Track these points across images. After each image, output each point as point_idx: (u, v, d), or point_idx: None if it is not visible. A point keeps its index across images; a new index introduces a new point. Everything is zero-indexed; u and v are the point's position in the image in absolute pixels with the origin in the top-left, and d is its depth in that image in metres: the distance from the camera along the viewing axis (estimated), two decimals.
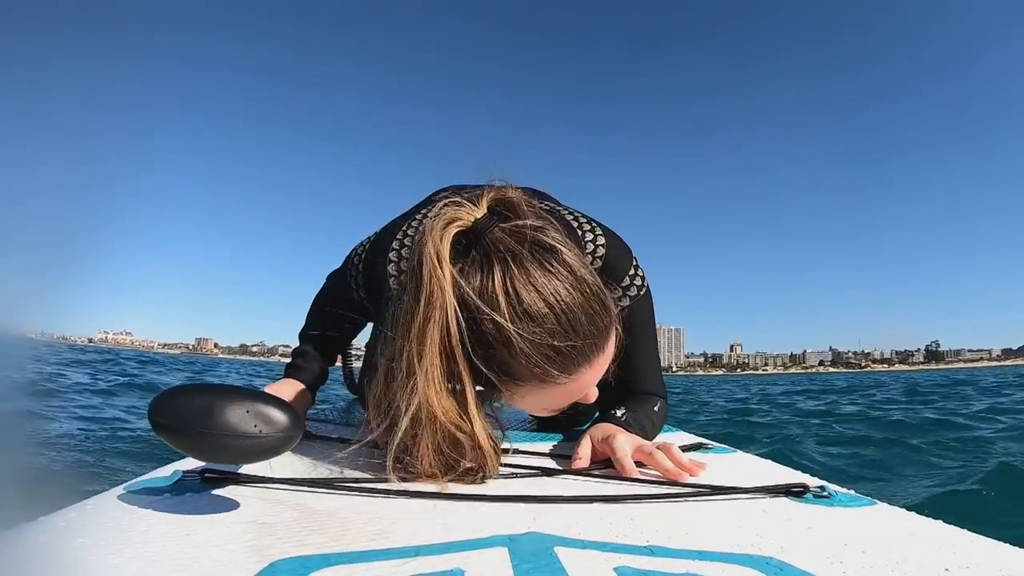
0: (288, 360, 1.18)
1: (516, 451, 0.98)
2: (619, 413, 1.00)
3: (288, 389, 1.09)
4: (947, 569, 0.45)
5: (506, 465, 0.80)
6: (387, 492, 0.64)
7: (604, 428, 0.93)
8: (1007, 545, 0.50)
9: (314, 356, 1.16)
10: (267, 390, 0.97)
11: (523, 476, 0.77)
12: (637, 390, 1.08)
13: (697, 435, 1.22)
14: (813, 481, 0.72)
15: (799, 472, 0.82)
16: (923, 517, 0.59)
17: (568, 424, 1.27)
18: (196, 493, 0.60)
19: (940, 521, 0.58)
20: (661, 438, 1.05)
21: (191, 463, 0.71)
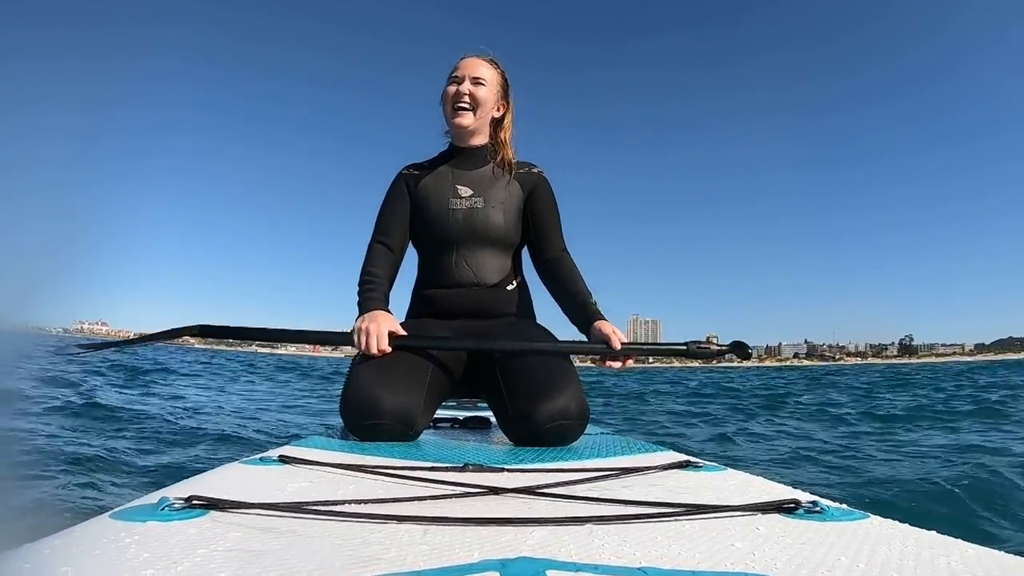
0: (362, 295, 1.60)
1: (504, 470, 0.97)
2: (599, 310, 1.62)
3: (384, 318, 1.50)
4: None
5: (493, 488, 0.79)
6: (376, 517, 0.63)
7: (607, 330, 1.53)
8: (1001, 553, 0.50)
9: (380, 286, 1.63)
10: (365, 321, 1.47)
11: (512, 494, 0.77)
12: (554, 255, 1.73)
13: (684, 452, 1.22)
14: (805, 496, 0.72)
15: (791, 488, 0.82)
16: (917, 528, 0.59)
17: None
18: (183, 520, 0.59)
19: (934, 532, 0.58)
20: (647, 458, 1.13)
21: (178, 490, 0.70)
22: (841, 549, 0.53)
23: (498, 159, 1.76)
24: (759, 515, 0.66)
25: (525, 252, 1.82)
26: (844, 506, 0.68)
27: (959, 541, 0.54)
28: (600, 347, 1.52)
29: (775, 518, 0.64)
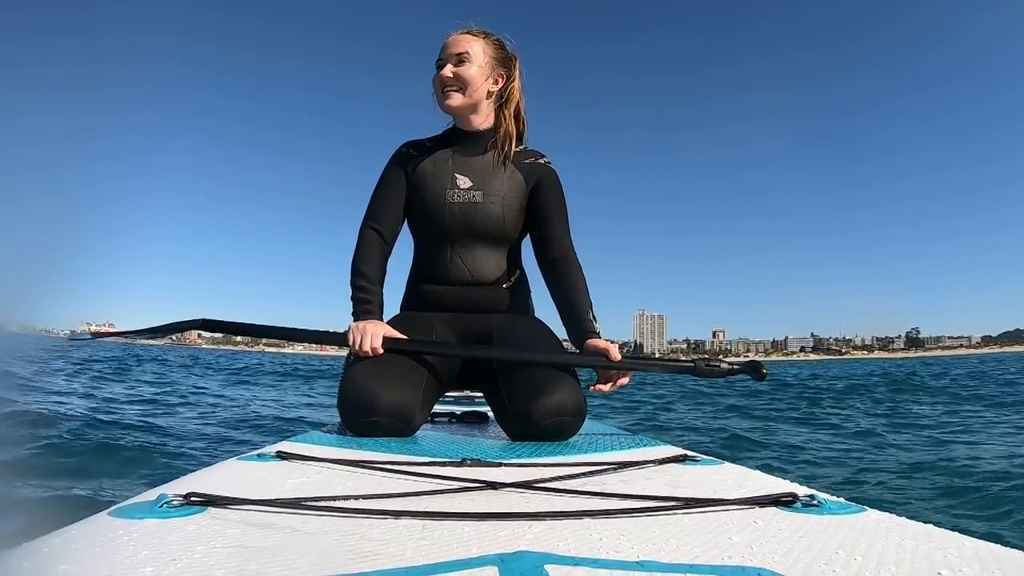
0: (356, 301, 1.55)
1: (502, 464, 0.97)
2: (597, 327, 1.53)
3: (377, 328, 1.45)
4: (939, 573, 0.45)
5: (491, 483, 0.79)
6: (375, 512, 0.63)
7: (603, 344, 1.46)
8: (998, 546, 0.50)
9: (374, 296, 1.56)
10: (359, 327, 1.43)
11: (510, 488, 0.77)
12: (558, 255, 1.62)
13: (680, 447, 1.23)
14: (802, 490, 0.72)
15: (788, 481, 0.82)
16: (914, 522, 0.60)
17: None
18: (181, 517, 0.59)
19: (931, 525, 0.58)
20: (645, 452, 1.14)
21: (176, 487, 0.70)
22: (839, 542, 0.53)
23: (500, 135, 1.63)
24: (756, 508, 0.66)
25: (527, 242, 1.74)
26: (841, 499, 0.68)
27: (956, 534, 0.55)
28: (599, 360, 1.44)
29: (772, 511, 0.65)
